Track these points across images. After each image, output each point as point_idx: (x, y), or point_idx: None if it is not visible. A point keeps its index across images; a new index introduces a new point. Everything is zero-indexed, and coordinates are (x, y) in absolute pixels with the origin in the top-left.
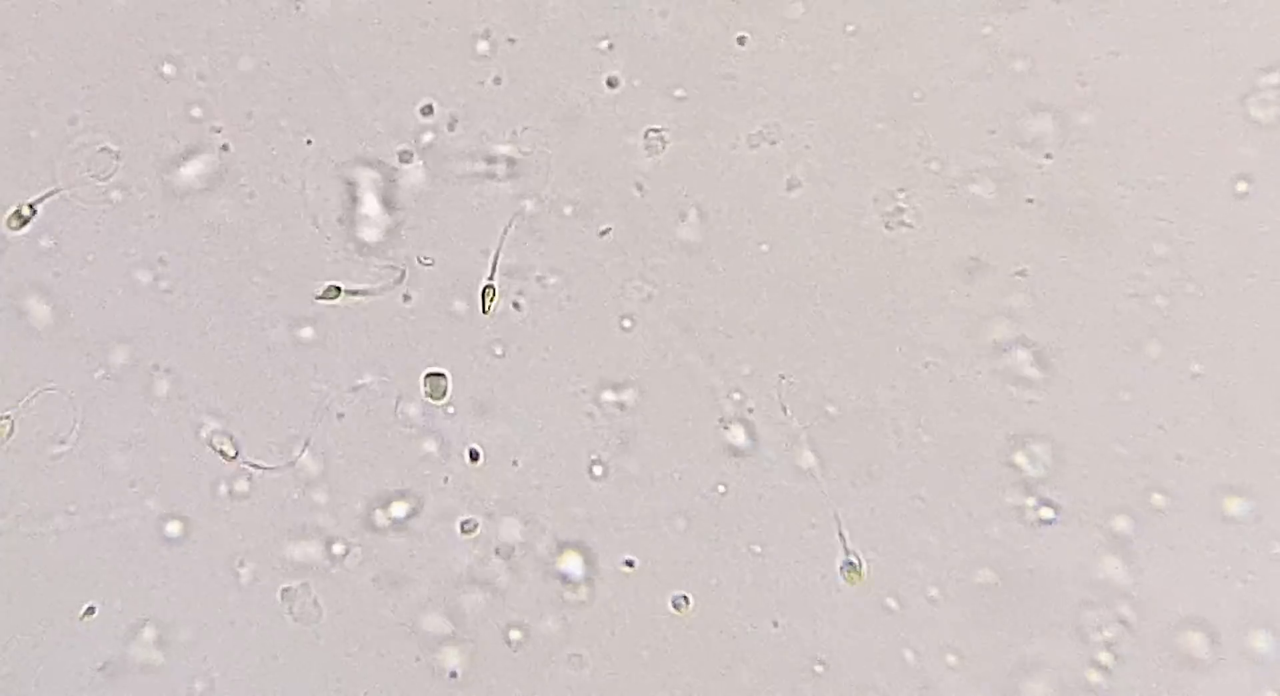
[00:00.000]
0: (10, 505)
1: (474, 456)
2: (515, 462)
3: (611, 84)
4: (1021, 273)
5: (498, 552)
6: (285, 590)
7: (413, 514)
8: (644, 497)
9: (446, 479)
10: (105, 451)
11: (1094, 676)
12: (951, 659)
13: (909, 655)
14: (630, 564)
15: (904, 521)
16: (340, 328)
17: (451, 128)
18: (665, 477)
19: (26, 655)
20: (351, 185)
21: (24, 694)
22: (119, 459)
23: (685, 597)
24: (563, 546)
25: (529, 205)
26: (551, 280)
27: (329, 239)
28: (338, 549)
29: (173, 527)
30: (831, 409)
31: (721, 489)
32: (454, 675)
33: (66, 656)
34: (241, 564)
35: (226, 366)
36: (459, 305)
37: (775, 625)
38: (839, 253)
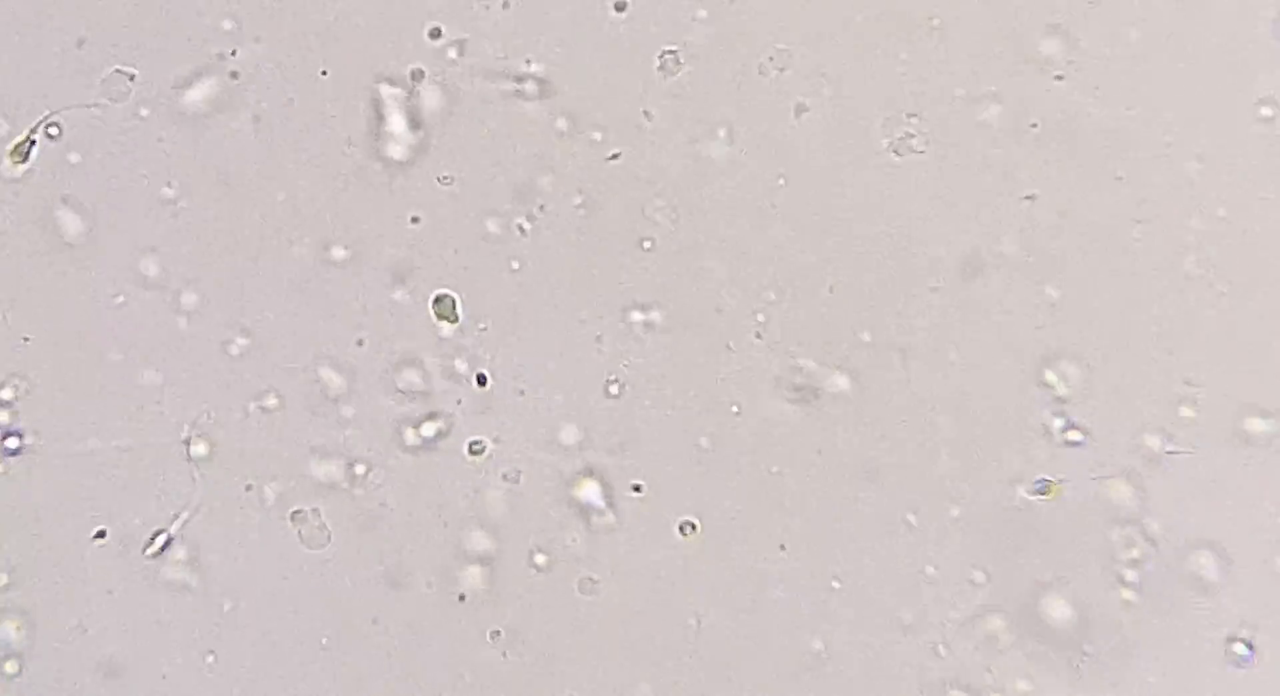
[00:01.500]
0: (41, 424)
1: (481, 381)
2: (522, 392)
3: (619, 8)
4: (1031, 197)
5: (505, 477)
6: (295, 513)
7: (426, 437)
8: (660, 419)
9: (459, 401)
10: (134, 367)
11: (1118, 595)
12: (978, 576)
13: (930, 570)
14: (638, 488)
15: (928, 440)
16: (367, 248)
17: (461, 52)
18: (682, 399)
19: (53, 574)
20: (376, 103)
21: (51, 615)
22: (148, 374)
23: (693, 523)
24: (575, 470)
25: (561, 124)
26: (575, 201)
27: (354, 158)
28: (359, 469)
29: (199, 447)
30: (866, 336)
31: (735, 409)
32: (462, 598)
33: (89, 576)
34: (263, 483)
35: (253, 284)
36: (480, 225)
37: (783, 549)
38: (848, 178)
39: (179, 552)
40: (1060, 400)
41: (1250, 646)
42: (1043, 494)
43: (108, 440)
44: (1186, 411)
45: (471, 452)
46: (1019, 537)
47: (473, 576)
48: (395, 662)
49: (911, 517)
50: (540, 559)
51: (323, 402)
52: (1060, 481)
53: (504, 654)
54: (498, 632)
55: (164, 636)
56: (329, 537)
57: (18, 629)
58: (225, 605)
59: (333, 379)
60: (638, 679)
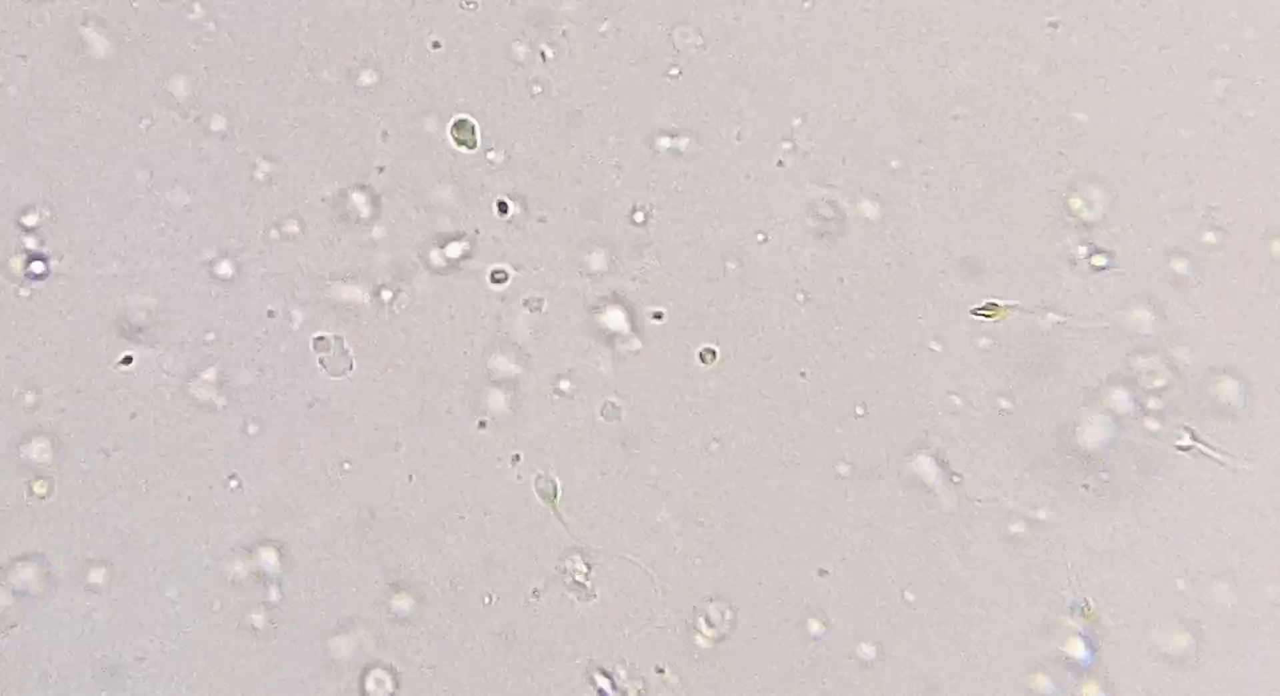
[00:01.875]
0: (66, 248)
1: (502, 208)
2: (543, 219)
3: None
4: (1055, 24)
5: (527, 304)
6: (318, 339)
7: (450, 259)
8: (684, 247)
9: (478, 230)
10: (160, 190)
11: (1145, 424)
12: (1004, 403)
13: (956, 401)
14: (659, 316)
15: (953, 268)
16: (389, 73)
17: None
18: (708, 227)
19: (79, 397)
20: None
21: (78, 437)
22: (174, 197)
23: (713, 350)
24: (597, 297)
25: None
26: (600, 28)
27: None
28: (385, 295)
29: (224, 267)
30: (894, 163)
31: (761, 237)
32: (483, 425)
33: (115, 399)
34: (289, 308)
35: (278, 109)
36: (503, 50)
37: (803, 375)
38: (875, 4)
39: (208, 374)
40: (1085, 225)
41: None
42: (988, 316)
43: (133, 263)
44: (1210, 237)
45: (494, 281)
46: (1044, 365)
47: (496, 401)
48: (416, 487)
49: (936, 346)
50: (564, 384)
51: (345, 228)
52: (1009, 307)
53: (518, 476)
54: (517, 456)
55: (188, 460)
56: (351, 364)
57: (43, 451)
58: (250, 429)
59: (356, 204)
60: (657, 504)
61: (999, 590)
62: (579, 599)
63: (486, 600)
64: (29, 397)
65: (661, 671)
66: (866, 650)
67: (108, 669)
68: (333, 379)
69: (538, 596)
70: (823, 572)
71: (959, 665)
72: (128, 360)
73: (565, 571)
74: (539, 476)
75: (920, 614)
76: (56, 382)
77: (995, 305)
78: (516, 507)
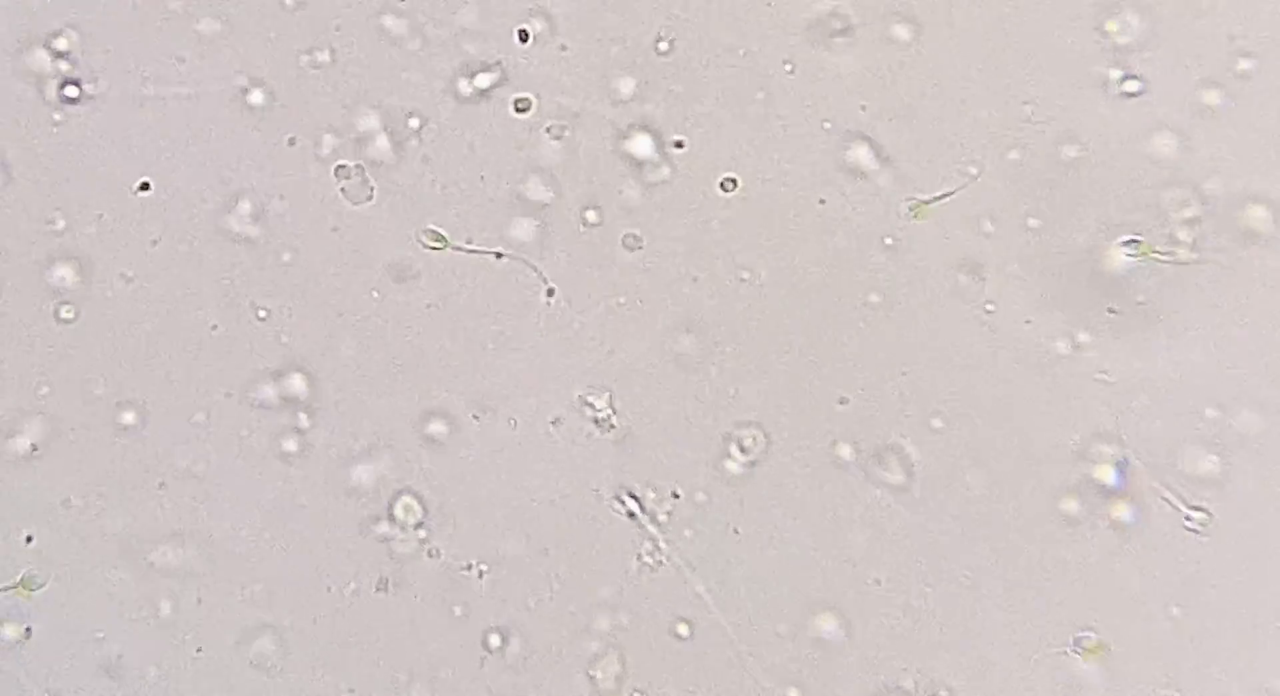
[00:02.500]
0: (99, 73)
1: (523, 37)
2: (564, 47)
3: None
4: None
5: (549, 131)
6: (339, 167)
7: (479, 88)
8: (708, 75)
9: (499, 61)
10: (193, 15)
11: (1176, 253)
12: (1033, 222)
13: (988, 226)
14: (680, 145)
15: (984, 89)
16: None
17: None
18: (731, 55)
19: (106, 223)
20: None
21: (103, 263)
22: (207, 22)
23: (733, 179)
24: (620, 125)
25: None
26: None
27: None
28: (414, 122)
29: (256, 96)
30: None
31: (789, 67)
32: (499, 256)
33: (139, 226)
34: (319, 134)
35: None
36: None
37: (822, 202)
38: None
39: (235, 202)
40: (1119, 49)
41: None
42: (913, 216)
43: (165, 89)
44: (1244, 64)
45: (517, 110)
46: (1075, 192)
47: (522, 229)
48: (437, 312)
49: (972, 169)
50: (591, 214)
51: (372, 56)
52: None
53: (549, 301)
54: (551, 290)
55: (212, 288)
56: (371, 193)
57: (70, 276)
58: (284, 256)
59: (386, 29)
60: (679, 331)
61: (1027, 416)
62: (600, 430)
63: (512, 424)
64: (60, 222)
65: (677, 496)
66: (896, 475)
67: (134, 492)
68: (354, 207)
69: (557, 425)
70: (843, 401)
71: (987, 488)
72: (145, 187)
73: (587, 403)
74: (561, 307)
75: (949, 439)
76: (85, 207)
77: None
78: (540, 337)
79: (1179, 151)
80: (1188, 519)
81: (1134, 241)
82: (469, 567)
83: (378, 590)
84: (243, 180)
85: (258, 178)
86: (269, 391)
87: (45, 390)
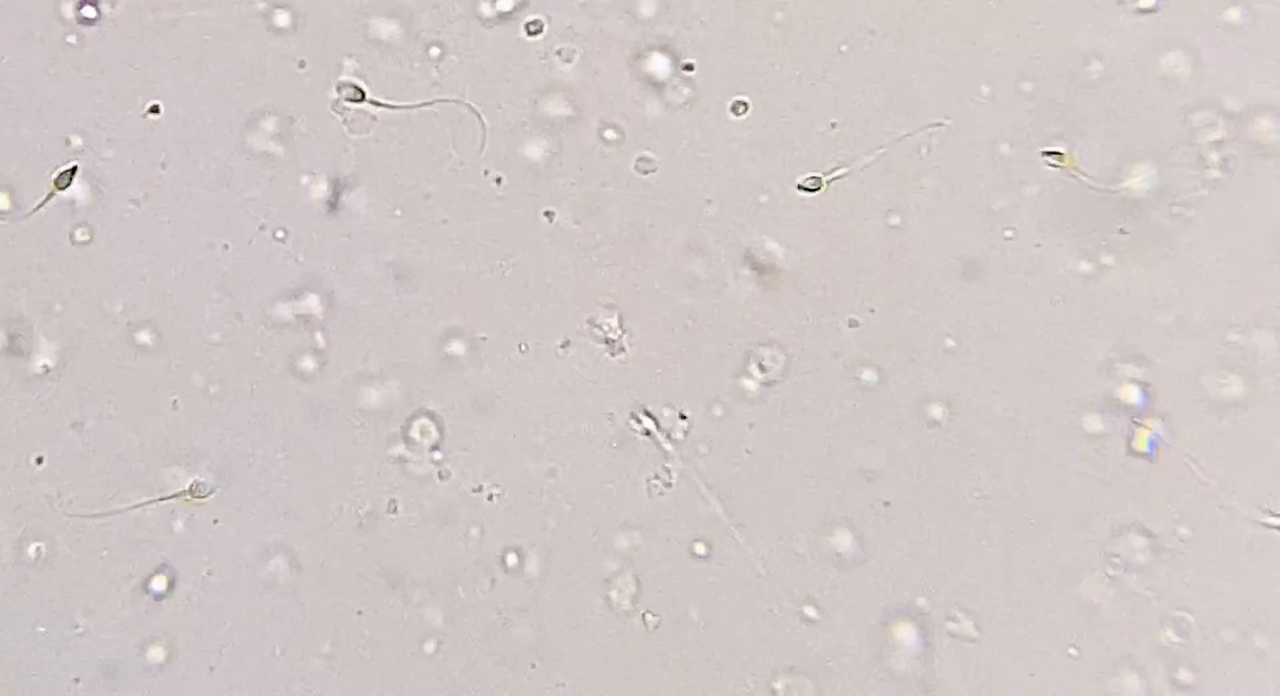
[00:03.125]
0: None
1: None
2: None
3: None
4: None
5: (559, 54)
6: (355, 88)
7: (496, 15)
8: None
9: None
10: None
11: (1206, 173)
12: (1051, 144)
13: (1005, 148)
14: (689, 68)
15: (997, 13)
16: None
17: None
18: None
19: (120, 144)
20: None
21: (116, 186)
22: None
23: (744, 102)
24: (630, 46)
25: None
26: None
27: None
28: (433, 52)
29: (278, 18)
30: None
31: None
32: (497, 181)
33: (149, 149)
34: (337, 61)
35: None
36: None
37: (834, 126)
38: None
39: (267, 124)
40: None
41: None
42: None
43: (186, 10)
44: None
45: (529, 33)
46: (1093, 115)
47: (532, 152)
48: (452, 238)
49: (985, 88)
50: (610, 133)
51: None
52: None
53: (554, 221)
54: (550, 212)
55: (229, 209)
56: (374, 119)
57: (85, 195)
58: (302, 179)
59: None
60: (690, 252)
61: (1048, 338)
62: (611, 352)
63: (523, 348)
64: (76, 140)
65: (684, 417)
66: (912, 394)
67: (147, 410)
68: (355, 137)
69: (567, 347)
70: (853, 323)
71: (1007, 409)
72: (155, 110)
73: (597, 325)
74: (570, 228)
75: (966, 360)
76: (100, 128)
77: (1060, 154)
78: (548, 257)
79: (1196, 69)
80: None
81: (1055, 153)
82: (479, 489)
83: (389, 512)
84: (260, 101)
85: (275, 99)
86: (284, 311)
87: (59, 308)
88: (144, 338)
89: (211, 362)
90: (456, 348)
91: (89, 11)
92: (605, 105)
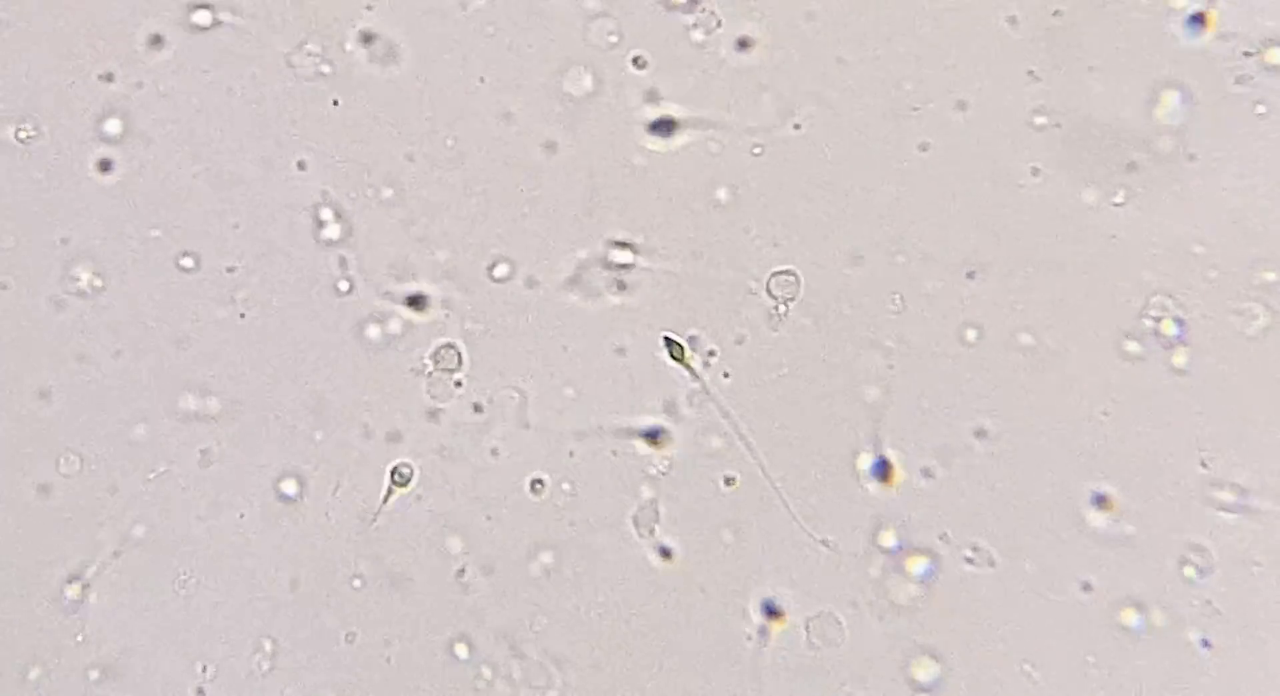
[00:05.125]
0: None
1: None
2: None
3: None
4: None
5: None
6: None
7: None
8: None
9: None
10: None
11: (1224, 103)
12: (1080, 76)
13: (1033, 81)
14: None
15: None
16: None
17: None
18: None
19: (143, 66)
20: None
21: (141, 108)
22: None
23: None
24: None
25: None
26: None
27: None
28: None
29: None
30: None
31: None
32: (507, 116)
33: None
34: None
35: None
36: None
37: (841, 61)
38: None
39: (312, 45)
40: None
41: None
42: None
43: None
44: None
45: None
46: (1119, 43)
47: (573, 82)
48: (464, 167)
49: (1018, 13)
50: (632, 69)
51: None
52: None
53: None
54: (552, 143)
55: (243, 137)
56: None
57: (117, 125)
58: (328, 104)
59: None
60: (713, 185)
61: (1076, 271)
62: (619, 288)
63: (530, 283)
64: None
65: (713, 353)
66: (935, 327)
67: (177, 340)
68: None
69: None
70: (856, 260)
71: (1035, 339)
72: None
73: (608, 262)
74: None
75: (993, 289)
76: (131, 62)
77: None
78: (558, 192)
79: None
80: None
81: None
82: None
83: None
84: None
85: (307, 35)
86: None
87: (90, 241)
88: (165, 245)
89: (234, 291)
90: (474, 277)
91: None
92: (631, 38)
